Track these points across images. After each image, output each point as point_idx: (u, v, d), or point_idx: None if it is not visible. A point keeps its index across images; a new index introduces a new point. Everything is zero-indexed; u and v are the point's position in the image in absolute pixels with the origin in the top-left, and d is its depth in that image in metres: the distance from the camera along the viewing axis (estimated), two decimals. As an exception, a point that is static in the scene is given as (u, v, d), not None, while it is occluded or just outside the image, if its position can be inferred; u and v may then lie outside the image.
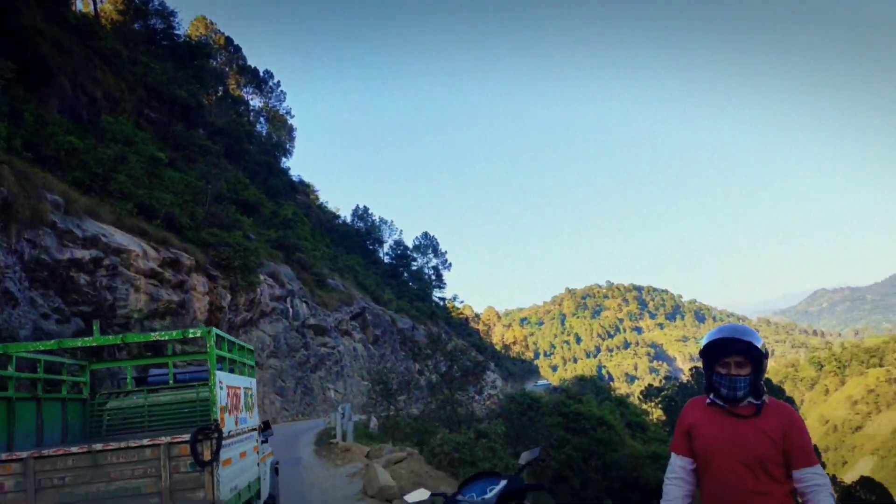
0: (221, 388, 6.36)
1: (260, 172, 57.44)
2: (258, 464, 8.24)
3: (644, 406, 70.12)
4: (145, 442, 5.71)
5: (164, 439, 5.73)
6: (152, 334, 6.84)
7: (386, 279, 73.56)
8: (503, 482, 4.02)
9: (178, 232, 27.93)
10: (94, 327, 8.03)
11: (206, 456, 5.75)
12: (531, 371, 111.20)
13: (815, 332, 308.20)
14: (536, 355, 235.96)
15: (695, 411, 3.23)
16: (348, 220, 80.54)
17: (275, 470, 9.73)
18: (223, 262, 30.35)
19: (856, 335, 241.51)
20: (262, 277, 35.54)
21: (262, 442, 8.84)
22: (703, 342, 3.17)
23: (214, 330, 6.51)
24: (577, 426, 38.00)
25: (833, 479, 53.88)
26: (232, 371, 7.34)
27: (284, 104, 76.28)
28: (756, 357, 3.05)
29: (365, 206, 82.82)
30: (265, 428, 9.10)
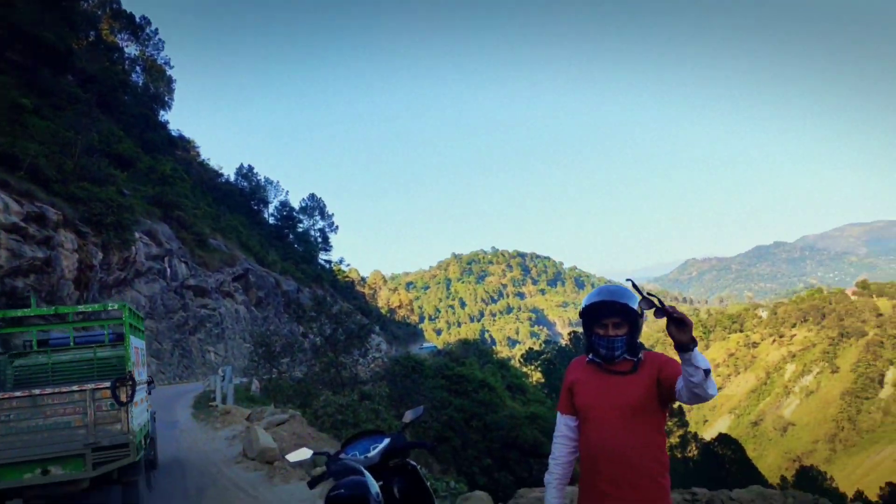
0: (132, 347, 8.18)
1: (136, 125, 54.35)
2: (147, 410, 9.92)
3: (524, 369, 72.08)
4: (75, 388, 7.41)
5: (90, 385, 7.46)
6: (79, 307, 9.09)
7: (271, 240, 71.77)
8: (386, 440, 3.98)
9: (45, 185, 26.13)
10: (32, 300, 10.62)
11: (123, 398, 7.50)
12: (416, 334, 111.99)
13: (684, 300, 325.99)
14: (421, 319, 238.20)
15: (576, 370, 3.31)
16: (232, 178, 77.74)
17: (153, 417, 11.30)
18: (94, 218, 28.71)
19: (720, 302, 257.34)
20: (137, 235, 33.92)
21: (148, 394, 10.34)
22: (583, 304, 3.24)
23: (127, 304, 8.53)
24: (459, 388, 38.67)
25: (695, 436, 57.49)
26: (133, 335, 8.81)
27: (163, 53, 71.52)
28: (632, 317, 3.12)
29: (249, 165, 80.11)
30: (150, 382, 10.82)
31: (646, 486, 3.00)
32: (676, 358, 2.94)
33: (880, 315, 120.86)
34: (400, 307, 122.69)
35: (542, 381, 65.09)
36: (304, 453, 4.01)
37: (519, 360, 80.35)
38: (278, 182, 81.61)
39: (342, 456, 3.91)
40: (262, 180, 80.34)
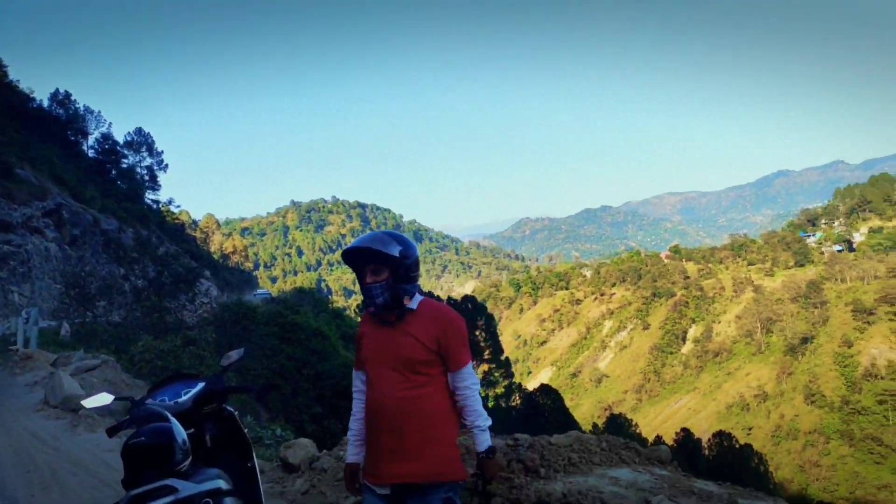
0: None
1: (-72, 34, 47.79)
2: None
3: (359, 319, 72.27)
4: None
5: None
6: None
7: (90, 175, 66.20)
8: (200, 384, 3.67)
9: None
10: None
11: None
12: (250, 281, 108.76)
13: (517, 257, 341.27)
14: (256, 266, 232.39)
15: (363, 324, 3.23)
16: (45, 104, 70.48)
17: None
18: None
19: (550, 261, 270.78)
20: (-74, 159, 30.08)
21: None
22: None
23: None
24: (292, 336, 38.00)
25: (519, 386, 60.22)
26: None
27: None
28: (391, 263, 3.00)
29: (66, 92, 72.58)
30: None
31: (427, 436, 2.93)
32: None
33: (687, 278, 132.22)
34: (234, 253, 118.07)
35: (377, 331, 65.68)
36: (103, 398, 3.65)
37: (354, 311, 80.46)
38: (100, 112, 74.89)
39: (149, 401, 3.54)
40: (82, 109, 73.62)
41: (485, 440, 2.95)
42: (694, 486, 4.54)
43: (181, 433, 3.08)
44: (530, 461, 5.01)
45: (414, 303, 3.06)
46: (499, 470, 2.77)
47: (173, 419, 3.14)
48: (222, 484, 3.14)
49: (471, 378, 2.99)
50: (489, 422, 2.97)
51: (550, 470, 4.97)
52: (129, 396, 3.73)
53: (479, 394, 2.99)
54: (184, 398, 3.55)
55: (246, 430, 3.92)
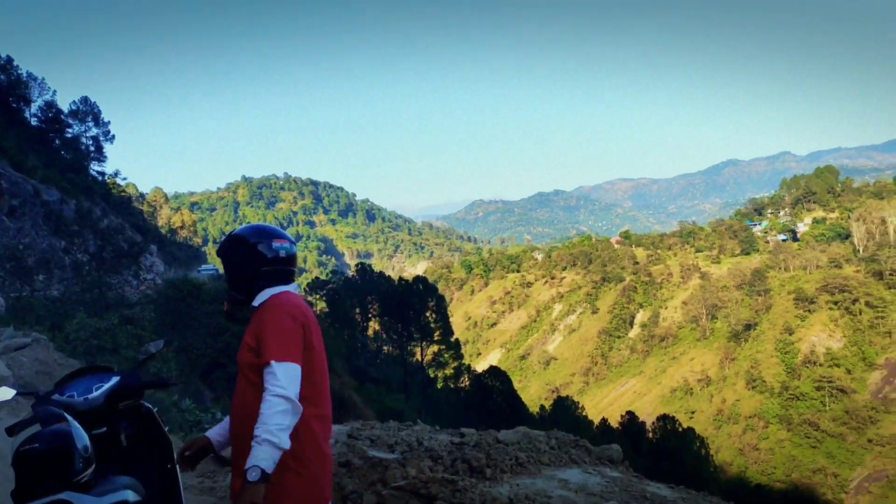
0: None
1: None
2: None
3: (310, 298, 71.37)
4: None
5: None
6: None
7: (32, 144, 63.82)
8: (114, 379, 3.32)
9: None
10: None
11: None
12: (198, 257, 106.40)
13: (469, 239, 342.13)
14: (206, 242, 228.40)
15: None
16: (-15, 69, 67.63)
17: None
18: None
19: (502, 243, 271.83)
20: None
21: None
22: None
23: None
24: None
25: (468, 368, 60.27)
26: None
27: None
28: (224, 263, 3.06)
29: (8, 57, 69.64)
30: None
31: None
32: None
33: (636, 263, 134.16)
34: (182, 228, 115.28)
35: (327, 310, 65.05)
36: (4, 393, 3.30)
37: (305, 289, 79.47)
38: (44, 79, 72.09)
39: (56, 397, 3.21)
40: (24, 75, 70.79)
41: (254, 456, 2.44)
42: (647, 489, 4.35)
43: (83, 438, 2.73)
44: (476, 461, 4.75)
45: (258, 300, 2.88)
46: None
47: (73, 421, 2.80)
48: (129, 496, 2.82)
49: (272, 379, 2.58)
50: (273, 437, 2.44)
51: (497, 470, 4.71)
52: (34, 391, 3.40)
53: (280, 401, 2.52)
54: (95, 394, 3.21)
55: (167, 429, 3.63)
